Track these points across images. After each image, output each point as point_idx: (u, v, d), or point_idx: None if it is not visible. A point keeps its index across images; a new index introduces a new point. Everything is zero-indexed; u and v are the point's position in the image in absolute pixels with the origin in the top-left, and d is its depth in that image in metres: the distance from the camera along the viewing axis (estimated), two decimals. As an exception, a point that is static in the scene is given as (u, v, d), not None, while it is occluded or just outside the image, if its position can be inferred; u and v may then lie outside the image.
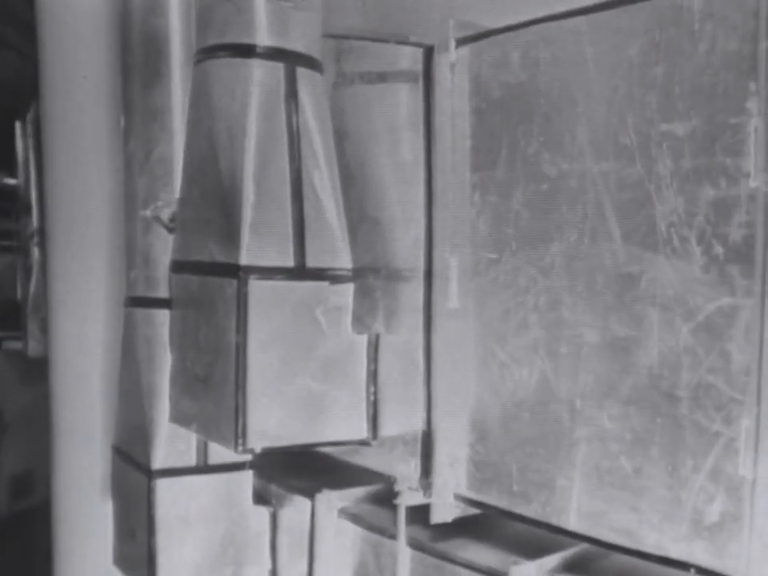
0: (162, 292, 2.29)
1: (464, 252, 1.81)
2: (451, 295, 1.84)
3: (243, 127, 1.89)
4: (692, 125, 1.40)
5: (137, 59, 2.31)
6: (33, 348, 4.74)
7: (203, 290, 2.02)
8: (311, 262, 1.96)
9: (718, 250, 1.40)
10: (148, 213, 2.30)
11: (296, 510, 2.35)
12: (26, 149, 4.94)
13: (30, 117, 4.72)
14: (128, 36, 2.32)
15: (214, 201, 1.96)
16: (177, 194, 2.25)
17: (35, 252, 4.77)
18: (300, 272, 1.94)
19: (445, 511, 1.88)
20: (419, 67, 1.97)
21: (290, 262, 1.93)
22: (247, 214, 1.88)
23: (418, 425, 1.99)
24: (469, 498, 1.84)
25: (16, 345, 5.10)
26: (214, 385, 1.98)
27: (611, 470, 1.57)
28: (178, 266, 2.14)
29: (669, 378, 1.48)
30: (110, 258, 2.71)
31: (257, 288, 1.88)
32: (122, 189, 2.49)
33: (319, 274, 1.97)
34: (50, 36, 2.78)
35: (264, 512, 2.40)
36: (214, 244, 1.96)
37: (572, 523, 1.64)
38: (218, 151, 1.94)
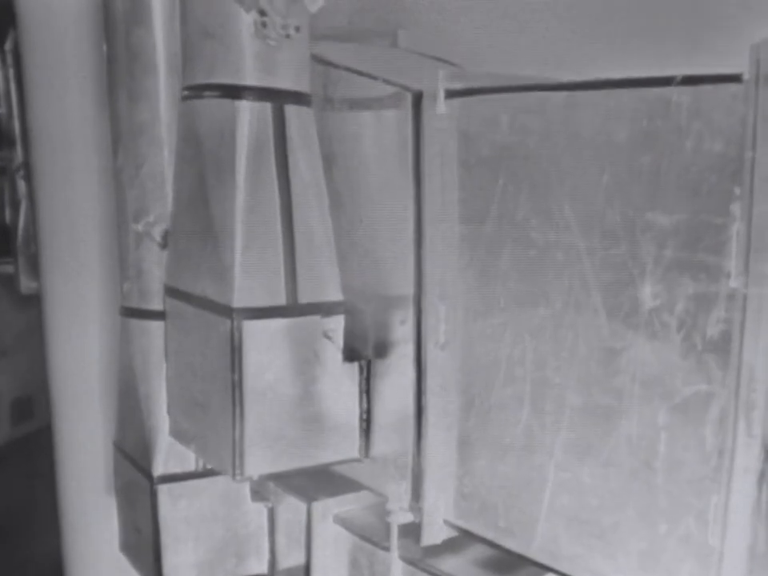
0: (156, 304, 2.34)
1: (452, 299, 1.85)
2: (440, 337, 1.89)
3: (232, 170, 1.90)
4: (676, 218, 1.43)
5: (122, 72, 2.27)
6: (25, 285, 4.78)
7: (197, 321, 2.06)
8: (303, 297, 2.00)
9: (697, 339, 1.45)
10: (139, 228, 2.32)
11: (292, 506, 2.47)
12: (5, 79, 4.83)
13: (8, 45, 4.61)
14: (112, 48, 2.28)
15: (205, 239, 1.98)
16: (168, 209, 2.27)
17: (22, 186, 4.74)
18: (292, 309, 1.99)
19: (434, 534, 1.99)
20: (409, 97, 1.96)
21: (282, 300, 1.97)
22: (239, 258, 1.91)
23: (409, 444, 2.08)
24: (457, 526, 1.95)
25: (8, 269, 5.11)
26: (212, 414, 2.05)
27: (590, 522, 1.68)
28: (171, 292, 2.18)
29: (646, 448, 1.56)
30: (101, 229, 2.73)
31: (250, 329, 1.93)
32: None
33: (311, 309, 2.02)
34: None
35: (262, 508, 2.52)
36: (207, 281, 1.99)
37: (554, 562, 1.76)
38: (207, 192, 1.95)
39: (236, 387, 1.95)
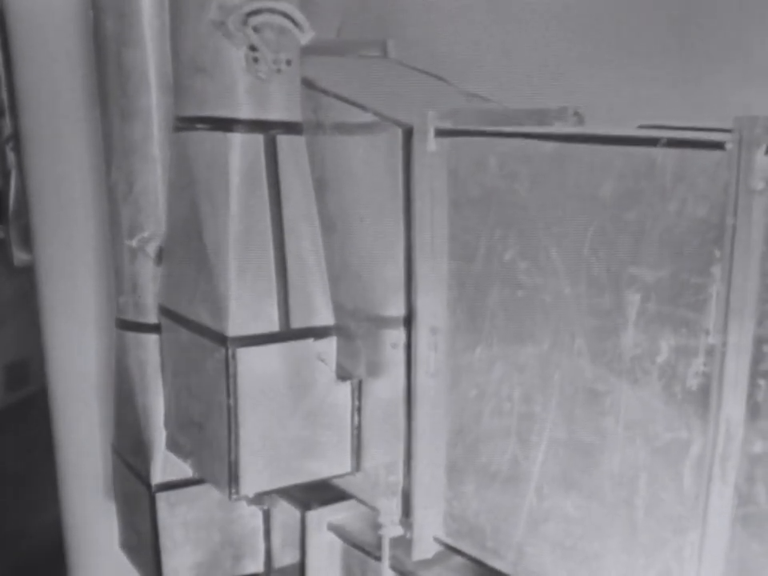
0: (152, 318, 2.38)
1: (443, 330, 1.90)
2: (430, 364, 1.95)
3: (226, 202, 1.93)
4: (659, 275, 1.48)
5: (113, 90, 2.27)
6: (18, 258, 4.79)
7: (192, 344, 2.11)
8: (295, 323, 2.05)
9: (677, 388, 1.51)
10: (134, 243, 2.34)
11: (287, 508, 2.55)
12: (-9, 46, 4.76)
13: (-8, 11, 4.53)
14: (103, 66, 2.27)
15: (199, 266, 2.02)
16: (161, 226, 2.29)
17: (12, 157, 4.72)
18: (285, 334, 2.03)
19: (425, 550, 2.07)
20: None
21: (275, 326, 2.02)
22: (233, 288, 1.95)
23: (399, 463, 2.15)
24: (446, 543, 2.03)
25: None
26: (208, 434, 2.11)
27: (574, 548, 1.76)
28: (166, 312, 2.22)
29: (627, 485, 1.63)
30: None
31: (245, 355, 1.98)
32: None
33: (303, 333, 2.07)
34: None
35: (257, 510, 2.60)
36: (201, 308, 2.04)
37: (538, 583, 1.84)
38: (201, 221, 1.98)
39: (231, 411, 2.00)
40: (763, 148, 1.32)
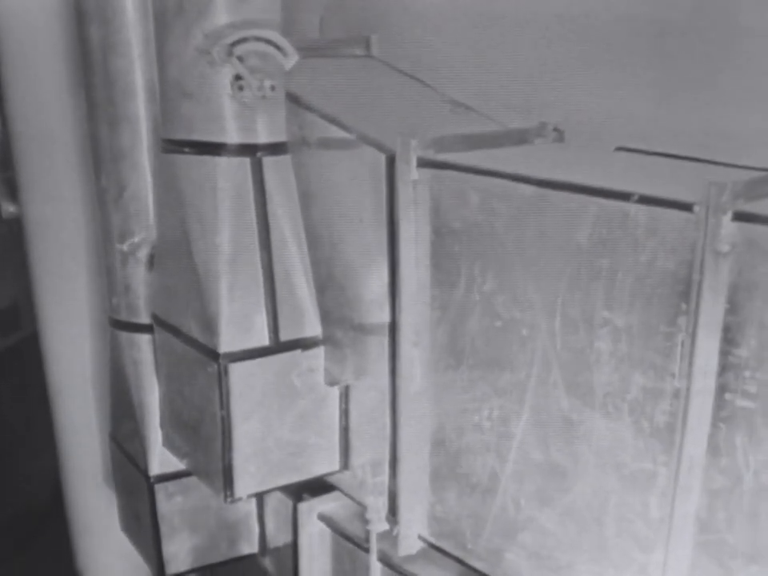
0: (144, 318, 2.45)
1: (425, 348, 1.98)
2: (414, 378, 2.03)
3: (215, 224, 1.98)
4: (629, 320, 1.55)
5: (101, 98, 2.28)
6: (5, 210, 4.80)
7: (185, 355, 2.18)
8: (284, 336, 2.12)
9: (645, 424, 1.60)
10: (125, 248, 2.40)
11: (280, 496, 2.67)
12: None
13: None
14: (90, 75, 2.28)
15: (190, 285, 2.08)
16: (152, 232, 2.34)
17: None
18: (275, 347, 2.11)
19: (409, 546, 2.19)
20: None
21: (265, 341, 2.09)
22: (224, 307, 2.02)
23: (385, 464, 2.25)
24: (430, 542, 2.15)
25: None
26: (202, 439, 2.21)
27: (549, 557, 1.87)
28: (160, 322, 2.28)
29: (598, 507, 1.73)
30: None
31: (236, 370, 2.06)
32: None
33: (292, 345, 2.14)
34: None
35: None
36: (193, 323, 2.10)
37: (516, 585, 1.97)
38: (191, 242, 2.03)
39: (224, 422, 2.09)
40: (729, 214, 1.38)
